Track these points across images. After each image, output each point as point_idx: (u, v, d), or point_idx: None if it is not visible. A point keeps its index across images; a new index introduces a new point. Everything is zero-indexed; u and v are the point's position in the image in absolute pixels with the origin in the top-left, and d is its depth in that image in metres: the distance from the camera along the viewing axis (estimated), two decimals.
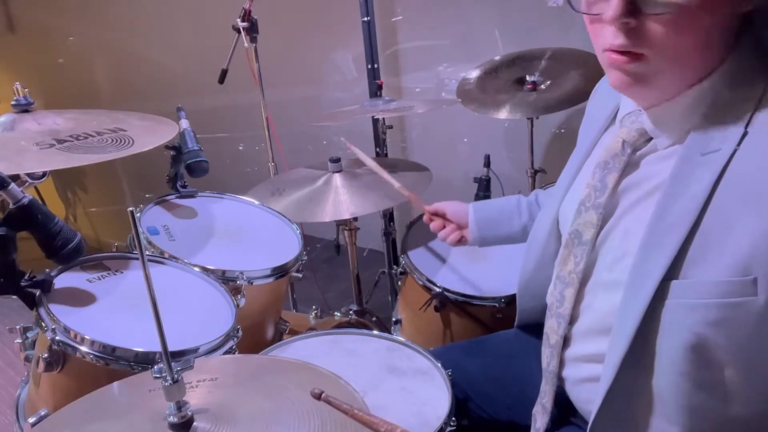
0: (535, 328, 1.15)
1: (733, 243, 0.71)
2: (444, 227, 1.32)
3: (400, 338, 1.24)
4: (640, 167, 0.86)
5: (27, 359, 1.13)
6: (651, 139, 0.85)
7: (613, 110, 0.97)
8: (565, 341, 0.96)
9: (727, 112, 0.76)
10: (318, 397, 0.71)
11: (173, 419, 0.71)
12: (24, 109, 1.29)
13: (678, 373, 0.77)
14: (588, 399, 0.91)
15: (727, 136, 0.74)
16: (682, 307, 0.75)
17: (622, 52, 0.77)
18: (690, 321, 0.74)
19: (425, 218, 1.36)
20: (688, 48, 0.75)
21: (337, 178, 1.76)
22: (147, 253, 1.28)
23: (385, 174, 1.42)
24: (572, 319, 0.95)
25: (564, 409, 1.02)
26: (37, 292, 1.04)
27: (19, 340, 1.13)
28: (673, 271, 0.75)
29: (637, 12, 0.73)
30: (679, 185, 0.77)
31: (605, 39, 0.78)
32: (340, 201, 1.68)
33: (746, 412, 0.76)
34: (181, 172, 1.48)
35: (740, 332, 0.73)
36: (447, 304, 1.51)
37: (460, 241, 1.31)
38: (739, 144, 0.73)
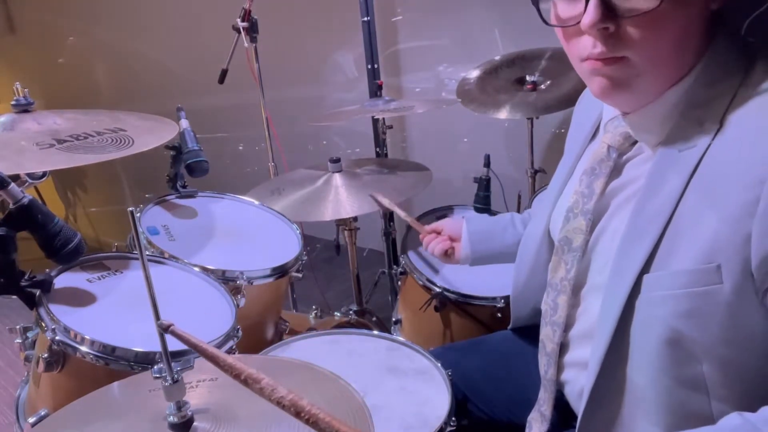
0: (529, 329, 1.15)
1: (699, 233, 0.72)
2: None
3: (400, 338, 1.24)
4: (625, 170, 0.86)
5: (27, 359, 1.13)
6: (636, 142, 0.85)
7: (598, 117, 0.96)
8: (563, 347, 0.96)
9: (704, 109, 0.76)
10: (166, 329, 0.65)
11: (173, 419, 0.71)
12: (24, 109, 1.29)
13: (656, 369, 0.77)
14: None
15: (703, 132, 0.75)
16: (654, 300, 0.76)
17: (603, 59, 0.75)
18: (662, 313, 0.75)
19: (421, 237, 1.34)
20: (667, 46, 0.74)
21: (337, 178, 1.76)
22: (147, 253, 1.28)
23: (395, 208, 1.46)
24: (568, 325, 0.95)
25: (563, 414, 1.01)
26: (37, 292, 1.04)
27: (19, 340, 1.13)
28: (647, 266, 0.76)
29: (614, 16, 0.72)
30: (656, 183, 0.78)
31: (583, 49, 0.77)
32: (340, 200, 1.69)
33: (730, 410, 0.74)
34: (181, 172, 1.48)
35: (711, 324, 0.73)
36: (447, 304, 1.51)
37: (447, 254, 1.27)
38: (713, 139, 0.74)
